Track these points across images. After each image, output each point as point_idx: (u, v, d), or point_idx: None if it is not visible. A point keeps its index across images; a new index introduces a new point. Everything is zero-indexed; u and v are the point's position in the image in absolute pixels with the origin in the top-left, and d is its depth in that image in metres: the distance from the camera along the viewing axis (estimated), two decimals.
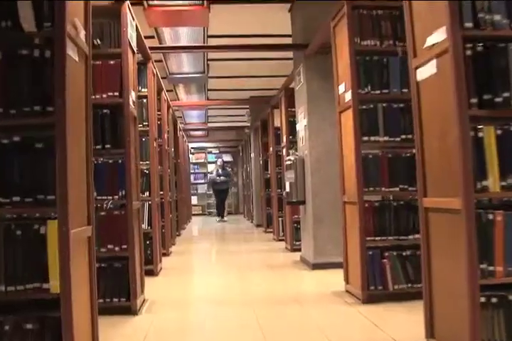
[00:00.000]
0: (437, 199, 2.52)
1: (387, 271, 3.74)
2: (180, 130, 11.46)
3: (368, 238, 3.77)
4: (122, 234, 3.60)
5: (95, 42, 3.56)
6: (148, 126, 5.31)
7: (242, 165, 16.49)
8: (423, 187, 2.65)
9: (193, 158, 18.31)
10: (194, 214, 16.35)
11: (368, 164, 3.83)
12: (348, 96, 3.90)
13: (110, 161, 3.64)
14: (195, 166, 18.17)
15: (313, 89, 5.46)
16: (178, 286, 4.84)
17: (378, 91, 3.87)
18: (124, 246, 3.60)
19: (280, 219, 8.34)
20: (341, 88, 4.09)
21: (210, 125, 14.99)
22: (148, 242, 5.27)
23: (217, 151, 18.32)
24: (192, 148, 18.05)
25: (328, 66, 5.32)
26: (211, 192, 15.89)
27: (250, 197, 13.31)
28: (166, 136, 7.08)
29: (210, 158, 18.40)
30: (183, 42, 6.29)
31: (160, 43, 5.85)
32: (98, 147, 3.59)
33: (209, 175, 15.51)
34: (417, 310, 2.88)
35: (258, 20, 6.11)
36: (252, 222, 12.93)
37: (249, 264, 6.18)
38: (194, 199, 16.77)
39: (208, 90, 10.29)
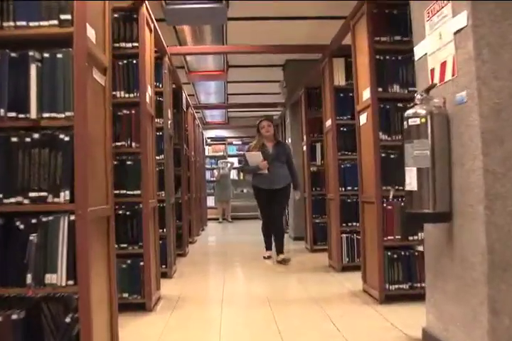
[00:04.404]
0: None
1: None
2: (189, 106, 8.33)
3: None
4: None
5: None
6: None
7: None
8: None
9: (209, 151, 14.95)
10: (210, 219, 12.97)
11: None
12: None
13: None
14: (212, 160, 14.76)
15: None
16: None
17: None
18: None
19: (344, 235, 5.14)
20: None
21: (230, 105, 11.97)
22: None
23: (240, 142, 14.90)
24: (208, 138, 14.76)
25: None
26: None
27: None
28: (150, 91, 3.92)
29: (231, 150, 15.08)
30: None
31: None
32: None
33: (244, 154, 6.33)
34: None
35: None
36: (286, 231, 9.62)
37: None
38: (210, 201, 13.35)
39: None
